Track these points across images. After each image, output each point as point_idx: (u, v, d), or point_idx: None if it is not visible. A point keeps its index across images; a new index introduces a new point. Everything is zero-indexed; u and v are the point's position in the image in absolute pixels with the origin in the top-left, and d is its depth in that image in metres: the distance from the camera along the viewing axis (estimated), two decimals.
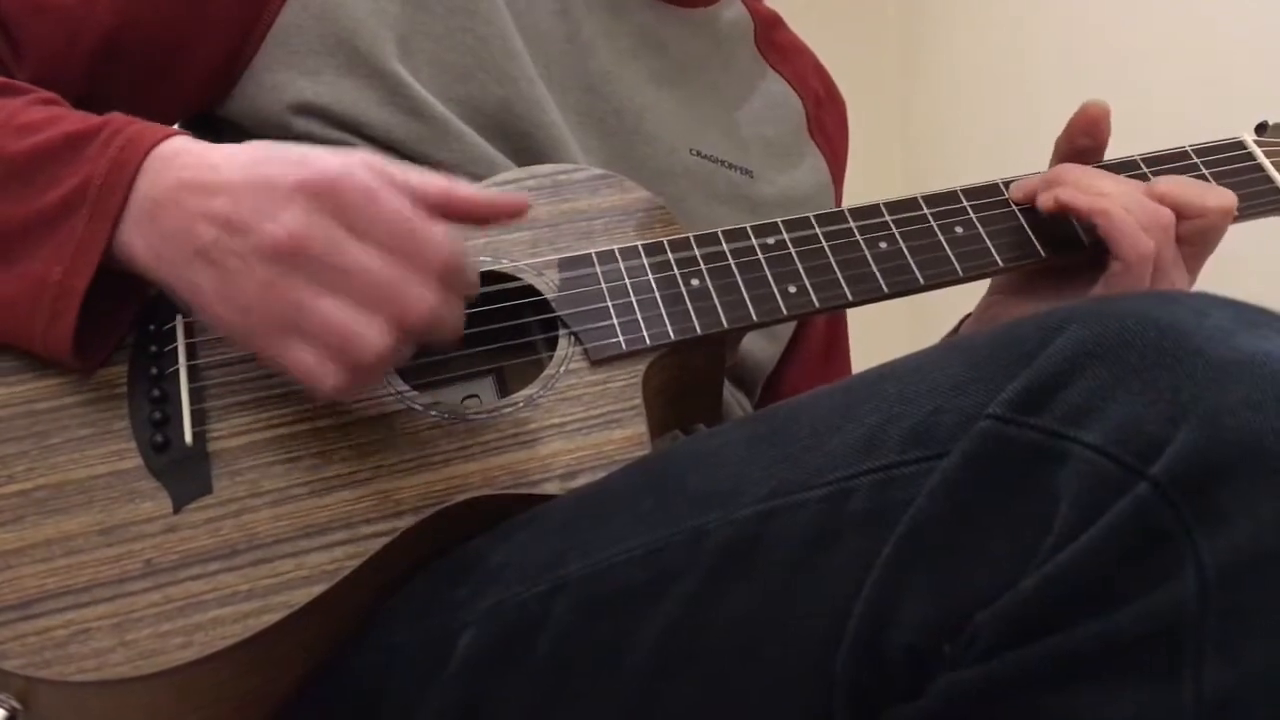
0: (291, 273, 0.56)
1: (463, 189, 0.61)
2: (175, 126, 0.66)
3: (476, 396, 0.72)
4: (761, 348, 0.88)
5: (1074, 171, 0.75)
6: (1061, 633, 0.43)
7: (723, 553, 0.52)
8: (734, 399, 0.85)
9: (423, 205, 0.59)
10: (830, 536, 0.49)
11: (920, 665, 0.46)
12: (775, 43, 0.98)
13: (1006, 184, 0.78)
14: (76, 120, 0.64)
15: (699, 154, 0.87)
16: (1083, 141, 0.79)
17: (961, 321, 0.88)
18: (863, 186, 1.04)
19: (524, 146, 0.79)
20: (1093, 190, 0.74)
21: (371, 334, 0.56)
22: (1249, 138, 0.84)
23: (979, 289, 0.78)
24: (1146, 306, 0.46)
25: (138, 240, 0.60)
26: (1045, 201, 0.75)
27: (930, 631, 0.46)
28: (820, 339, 0.98)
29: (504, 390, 0.72)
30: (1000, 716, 0.45)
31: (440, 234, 0.58)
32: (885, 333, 1.14)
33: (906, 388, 0.50)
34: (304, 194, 0.57)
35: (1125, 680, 0.42)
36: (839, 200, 1.00)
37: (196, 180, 0.59)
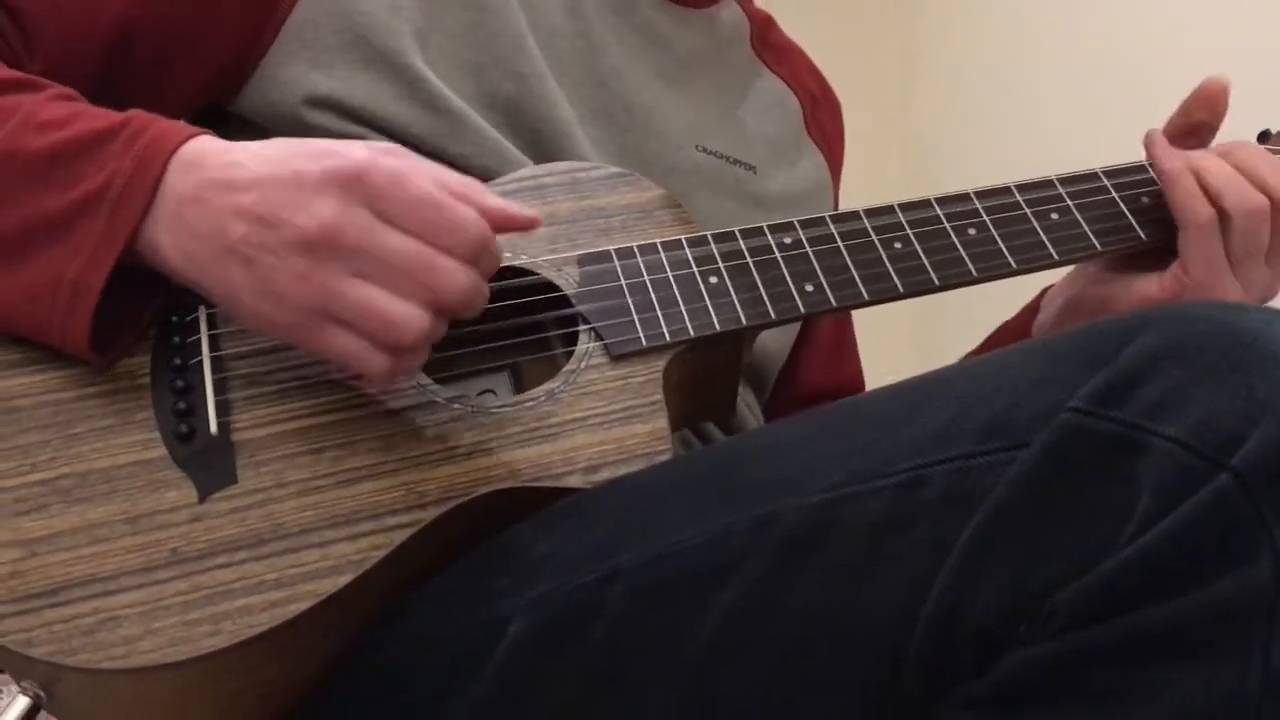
0: (325, 262, 0.57)
1: (478, 187, 0.62)
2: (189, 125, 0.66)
3: (492, 392, 0.72)
4: (773, 338, 0.89)
5: (1239, 151, 0.77)
6: (1138, 612, 0.45)
7: (792, 539, 0.53)
8: (743, 398, 0.86)
9: (447, 191, 0.60)
10: (904, 523, 0.50)
11: (994, 646, 0.48)
12: (770, 43, 0.99)
13: (1019, 186, 0.79)
14: (98, 117, 0.64)
15: (705, 150, 0.88)
16: (1200, 116, 0.81)
17: (1042, 293, 0.90)
18: (862, 187, 1.05)
19: (535, 142, 0.80)
20: (1180, 154, 0.76)
21: (409, 316, 0.57)
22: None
23: (990, 290, 0.79)
24: (1218, 313, 0.49)
25: (166, 240, 0.60)
26: (1147, 145, 0.79)
27: (1007, 615, 0.48)
28: (830, 329, 0.99)
29: (519, 386, 0.73)
30: (1071, 688, 0.47)
31: (468, 214, 0.59)
32: (886, 330, 1.15)
33: (979, 386, 0.52)
34: (333, 184, 0.58)
35: (1196, 659, 0.45)
36: (837, 197, 1.02)
37: (224, 178, 0.60)
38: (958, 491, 0.49)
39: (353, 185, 0.58)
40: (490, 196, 0.62)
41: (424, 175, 0.59)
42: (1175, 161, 0.76)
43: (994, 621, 0.48)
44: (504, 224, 0.62)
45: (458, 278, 0.58)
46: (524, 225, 0.63)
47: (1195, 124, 0.81)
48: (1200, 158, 0.77)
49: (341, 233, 0.57)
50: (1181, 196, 0.75)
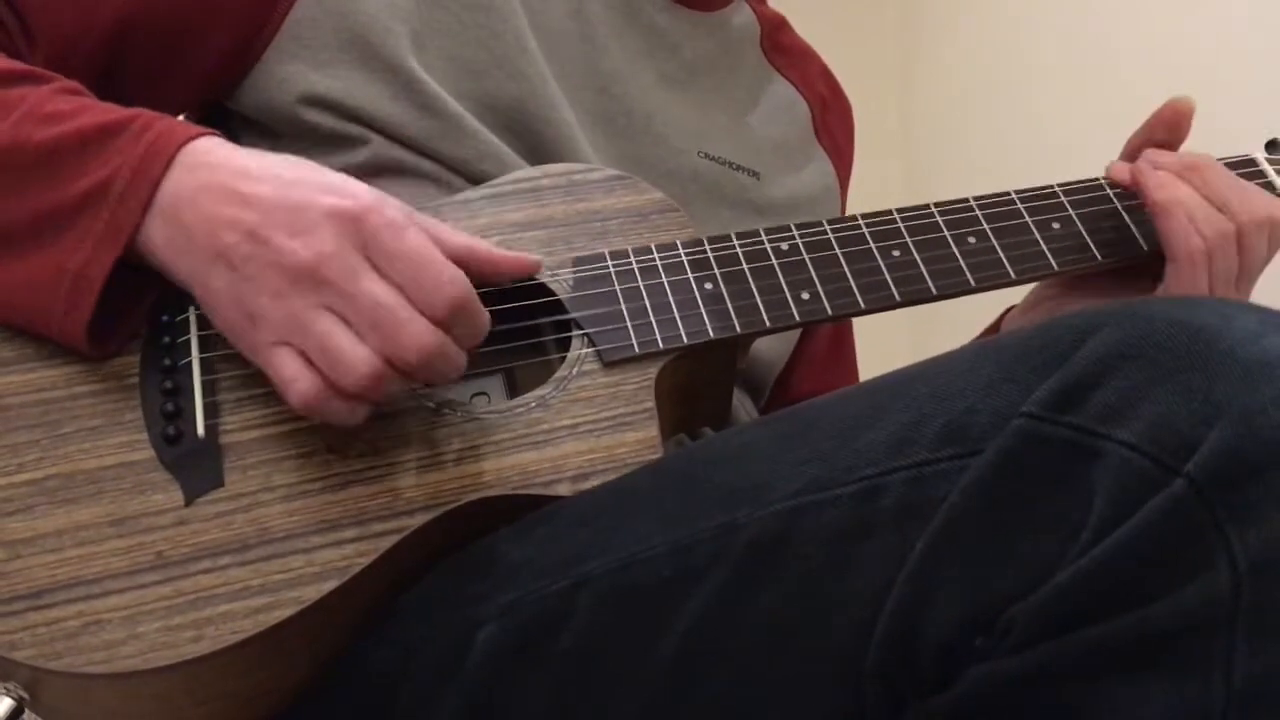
0: (304, 290, 0.58)
1: (483, 246, 0.64)
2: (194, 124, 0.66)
3: (485, 394, 0.72)
4: (770, 345, 0.88)
5: (1202, 172, 0.75)
6: (1096, 625, 0.44)
7: (752, 548, 0.52)
8: (740, 404, 0.85)
9: (444, 252, 0.60)
10: (862, 532, 0.50)
11: (952, 658, 0.47)
12: (781, 46, 0.98)
13: (1020, 194, 0.78)
14: (105, 111, 0.64)
15: (707, 156, 0.87)
16: (1161, 135, 0.80)
17: (1005, 313, 0.89)
18: (862, 189, 1.04)
19: (535, 144, 0.79)
20: (1168, 185, 0.75)
21: (359, 359, 0.57)
22: (1261, 155, 0.84)
23: (986, 297, 0.79)
24: (1176, 310, 0.47)
25: (158, 233, 0.61)
26: (1119, 172, 0.78)
27: (964, 626, 0.47)
28: (826, 336, 0.99)
29: (513, 389, 0.72)
30: (1032, 706, 0.46)
31: (454, 278, 0.59)
32: (886, 336, 1.15)
33: (938, 388, 0.51)
34: (334, 221, 0.58)
35: (1158, 672, 0.43)
36: (845, 202, 1.01)
37: (228, 186, 0.60)
38: (913, 500, 0.49)
39: (352, 225, 0.58)
40: (496, 251, 0.64)
41: (420, 231, 0.59)
42: (1168, 193, 0.75)
43: (950, 634, 0.47)
44: (509, 273, 0.65)
45: (423, 337, 0.58)
46: (527, 272, 0.65)
47: (1157, 143, 0.79)
48: (1174, 186, 0.75)
49: (327, 267, 0.57)
50: (1176, 230, 0.74)
